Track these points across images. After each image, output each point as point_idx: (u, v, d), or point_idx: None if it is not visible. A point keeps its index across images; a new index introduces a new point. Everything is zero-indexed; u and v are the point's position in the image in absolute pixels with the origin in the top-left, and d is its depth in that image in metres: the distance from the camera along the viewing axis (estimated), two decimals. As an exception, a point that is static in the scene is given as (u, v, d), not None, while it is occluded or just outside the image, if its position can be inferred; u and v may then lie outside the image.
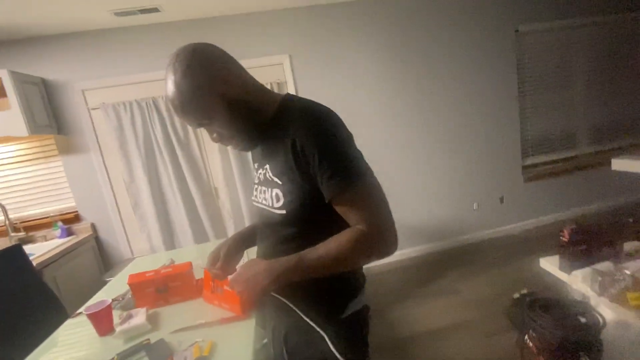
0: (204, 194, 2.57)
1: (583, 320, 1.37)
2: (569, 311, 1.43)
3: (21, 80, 2.11)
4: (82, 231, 2.52)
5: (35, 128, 2.14)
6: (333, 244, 0.67)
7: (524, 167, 3.23)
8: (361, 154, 0.68)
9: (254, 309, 1.15)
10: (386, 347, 1.89)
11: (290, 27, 2.58)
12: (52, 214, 2.46)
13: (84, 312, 1.17)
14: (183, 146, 2.49)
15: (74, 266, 2.26)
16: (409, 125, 2.84)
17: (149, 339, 1.05)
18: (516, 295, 1.71)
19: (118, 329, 1.13)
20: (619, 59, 3.25)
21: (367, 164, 0.69)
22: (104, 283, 2.26)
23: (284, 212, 0.70)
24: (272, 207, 0.72)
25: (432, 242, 3.10)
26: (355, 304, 0.78)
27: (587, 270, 1.50)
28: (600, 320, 1.33)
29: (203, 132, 2.58)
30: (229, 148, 2.46)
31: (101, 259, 2.59)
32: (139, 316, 1.19)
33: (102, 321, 1.17)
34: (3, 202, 2.27)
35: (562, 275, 1.63)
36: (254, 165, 0.87)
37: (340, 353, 0.73)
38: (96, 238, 2.57)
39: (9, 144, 2.37)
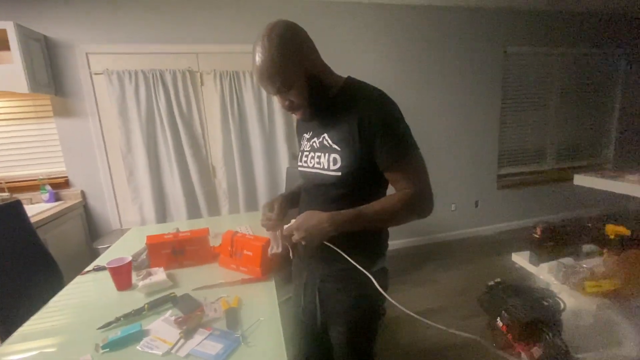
0: (201, 171, 2.60)
1: (546, 303, 1.60)
2: (535, 296, 1.65)
3: (25, 35, 2.03)
4: (70, 197, 2.46)
5: (35, 86, 2.07)
6: (387, 202, 0.81)
7: (499, 176, 3.55)
8: (410, 131, 0.82)
9: (273, 272, 1.25)
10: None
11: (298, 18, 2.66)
12: (40, 177, 2.38)
13: (106, 266, 1.21)
14: (185, 122, 2.51)
15: (61, 232, 2.21)
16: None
17: (174, 293, 1.12)
18: (490, 283, 1.93)
19: (140, 283, 1.18)
20: (586, 89, 3.67)
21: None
22: (94, 251, 2.25)
23: (339, 174, 0.81)
24: (328, 169, 0.83)
25: (413, 236, 3.33)
26: (382, 262, 0.92)
27: (553, 263, 1.74)
28: (562, 304, 1.56)
29: (206, 110, 2.60)
30: (232, 129, 2.53)
31: (88, 227, 2.54)
32: (159, 274, 1.25)
33: (123, 276, 1.22)
34: (-12, 160, 2.18)
35: (531, 268, 1.88)
36: (303, 136, 0.98)
37: (367, 300, 0.87)
38: (84, 206, 2.52)
39: (1, 99, 2.26)
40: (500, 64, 3.28)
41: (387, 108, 0.79)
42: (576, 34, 3.46)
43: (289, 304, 1.18)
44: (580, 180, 2.49)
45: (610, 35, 3.56)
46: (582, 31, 3.47)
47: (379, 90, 0.82)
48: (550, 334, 1.52)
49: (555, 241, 1.81)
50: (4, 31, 1.95)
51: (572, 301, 1.58)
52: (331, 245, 0.83)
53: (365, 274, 0.86)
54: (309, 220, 0.80)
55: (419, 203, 0.81)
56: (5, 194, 2.27)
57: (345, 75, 0.90)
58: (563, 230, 1.88)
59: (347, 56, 2.84)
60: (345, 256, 0.81)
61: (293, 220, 0.84)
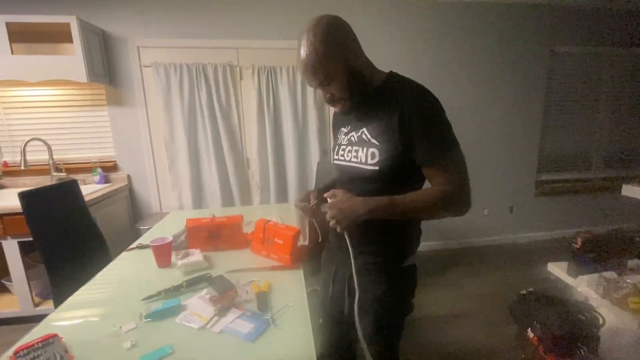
0: (236, 162, 2.70)
1: (583, 317, 1.52)
2: (571, 309, 1.57)
3: (86, 29, 2.22)
4: (118, 180, 2.66)
5: (92, 76, 2.26)
6: (422, 195, 0.81)
7: (537, 182, 3.36)
8: (452, 127, 0.81)
9: (301, 261, 1.29)
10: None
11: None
12: (92, 160, 2.59)
13: (149, 244, 1.31)
14: (224, 115, 2.62)
15: (108, 212, 2.40)
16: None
17: (210, 273, 1.19)
18: (523, 292, 1.85)
19: (179, 262, 1.27)
20: (638, 91, 3.36)
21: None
22: (137, 231, 2.42)
23: (377, 168, 0.83)
24: (366, 163, 0.85)
25: (441, 239, 3.26)
26: (412, 258, 0.93)
27: (593, 276, 1.65)
28: (600, 319, 1.47)
29: (244, 104, 2.70)
30: (267, 123, 2.61)
31: (132, 209, 2.74)
32: (196, 255, 1.34)
33: (164, 255, 1.31)
34: (49, 142, 2.40)
35: (568, 279, 1.78)
36: (341, 130, 0.99)
37: (395, 294, 0.88)
38: (130, 189, 2.71)
39: (61, 87, 2.49)
40: (545, 63, 3.10)
41: (428, 103, 0.79)
42: (630, 33, 3.18)
43: (314, 295, 1.22)
44: (629, 190, 2.31)
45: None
46: (635, 31, 3.18)
47: (421, 86, 0.81)
48: (585, 349, 1.44)
49: (597, 253, 1.70)
50: (67, 25, 2.14)
51: (612, 317, 1.49)
52: (347, 237, 0.85)
53: (394, 267, 0.87)
54: (343, 200, 0.82)
55: (454, 201, 0.80)
56: (63, 174, 2.49)
57: (387, 71, 0.90)
58: (607, 241, 1.76)
59: (387, 52, 2.82)
60: (352, 257, 0.84)
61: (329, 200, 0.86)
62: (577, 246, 1.71)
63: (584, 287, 1.66)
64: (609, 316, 1.48)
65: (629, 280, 1.55)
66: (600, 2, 2.97)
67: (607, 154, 3.47)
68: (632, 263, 1.80)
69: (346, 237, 0.85)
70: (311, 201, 0.96)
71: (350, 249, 0.86)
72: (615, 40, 3.19)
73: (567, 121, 3.33)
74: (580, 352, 1.48)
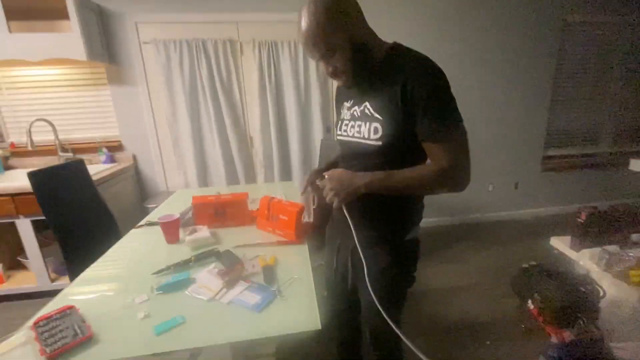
0: (240, 140, 2.70)
1: (584, 289, 1.55)
2: (572, 281, 1.60)
3: (82, 5, 2.16)
4: (124, 160, 2.68)
5: (92, 54, 2.22)
6: (418, 170, 0.81)
7: (544, 157, 3.32)
8: (455, 102, 0.79)
9: (306, 236, 1.32)
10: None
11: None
12: (97, 140, 2.60)
13: (158, 221, 1.34)
14: (226, 92, 2.58)
15: (116, 191, 2.43)
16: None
17: (217, 249, 1.22)
18: (525, 265, 1.89)
19: (187, 238, 1.30)
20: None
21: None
22: (144, 209, 2.46)
23: (380, 143, 0.82)
24: (369, 138, 0.84)
25: (446, 215, 3.28)
26: (415, 231, 0.94)
27: (595, 249, 1.66)
28: (601, 291, 1.50)
29: (245, 80, 2.66)
30: (270, 99, 2.57)
31: (139, 188, 2.77)
32: (203, 231, 1.37)
33: (172, 231, 1.34)
34: (54, 122, 2.41)
35: (571, 253, 1.80)
36: (343, 104, 0.98)
37: (397, 267, 0.91)
38: (136, 168, 2.74)
39: (63, 66, 2.46)
40: (557, 34, 2.97)
41: (433, 75, 0.76)
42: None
43: (319, 270, 1.25)
44: (638, 165, 2.28)
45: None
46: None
47: (426, 57, 0.79)
48: (585, 320, 1.48)
49: (601, 227, 1.71)
50: (63, 1, 2.08)
51: (613, 290, 1.52)
52: (345, 212, 0.86)
53: (397, 240, 0.89)
54: (342, 174, 0.83)
55: (451, 177, 0.80)
56: (70, 154, 2.52)
57: (391, 42, 0.87)
58: (611, 216, 1.76)
59: (390, 22, 2.72)
60: (353, 230, 0.86)
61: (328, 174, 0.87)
62: (581, 221, 1.71)
63: (586, 260, 1.68)
64: (610, 289, 1.51)
65: (631, 254, 1.56)
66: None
67: (616, 128, 3.39)
68: (635, 237, 1.81)
69: (344, 210, 0.86)
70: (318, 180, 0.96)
71: (350, 221, 0.87)
72: (631, 9, 3.02)
73: (577, 94, 3.23)
74: (580, 323, 1.52)
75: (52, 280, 2.22)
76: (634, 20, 3.07)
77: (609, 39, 3.11)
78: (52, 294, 1.01)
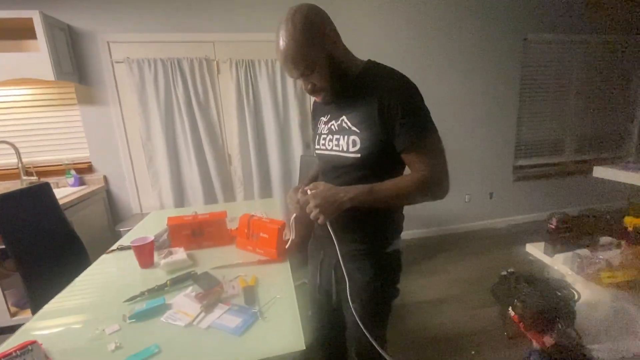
0: (217, 158, 2.66)
1: (560, 293, 1.60)
2: (549, 286, 1.65)
3: (50, 24, 2.10)
4: (94, 182, 2.56)
5: (60, 74, 2.15)
6: (400, 181, 0.83)
7: (515, 167, 3.48)
8: (429, 113, 0.82)
9: (288, 254, 1.29)
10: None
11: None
12: (65, 162, 2.48)
13: (130, 245, 1.27)
14: (202, 110, 2.56)
15: (85, 215, 2.31)
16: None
17: (195, 271, 1.17)
18: (503, 272, 1.93)
19: (162, 262, 1.24)
20: (608, 78, 3.53)
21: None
22: (116, 233, 2.35)
23: (358, 155, 0.83)
24: (347, 151, 0.85)
25: (424, 227, 3.33)
26: (396, 243, 0.94)
27: (568, 254, 1.72)
28: (576, 294, 1.55)
29: (222, 99, 2.65)
30: (248, 117, 2.57)
31: (110, 211, 2.65)
32: (179, 253, 1.31)
33: (146, 255, 1.28)
34: (17, 145, 2.28)
35: (546, 259, 1.86)
36: (320, 119, 0.99)
37: (381, 280, 0.90)
38: (107, 190, 2.62)
39: (28, 87, 2.36)
40: (519, 51, 3.19)
41: (407, 90, 0.80)
42: (600, 21, 3.31)
43: (302, 288, 1.22)
44: (601, 172, 2.42)
45: (636, 22, 3.40)
46: (606, 18, 3.31)
47: (400, 73, 0.82)
48: (563, 324, 1.52)
49: (571, 232, 1.78)
50: (30, 20, 2.02)
51: (587, 292, 1.57)
52: (329, 228, 0.85)
53: (379, 253, 0.88)
54: (325, 189, 0.83)
55: (433, 186, 0.82)
56: (34, 178, 2.38)
57: (365, 59, 0.90)
58: (580, 221, 1.85)
59: (363, 41, 2.81)
60: (336, 245, 0.85)
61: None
62: (553, 227, 1.78)
63: (560, 264, 1.74)
64: (584, 291, 1.56)
65: (601, 257, 1.63)
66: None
67: (578, 138, 3.62)
68: (603, 240, 1.89)
69: (329, 226, 0.86)
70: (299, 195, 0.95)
71: (333, 236, 0.86)
72: (585, 28, 3.30)
73: (541, 108, 3.44)
74: (559, 327, 1.56)
75: (12, 315, 2.04)
76: (586, 39, 3.34)
77: (566, 56, 3.36)
78: (13, 329, 0.92)
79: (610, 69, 3.50)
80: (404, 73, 0.83)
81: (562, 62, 3.36)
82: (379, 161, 0.83)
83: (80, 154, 2.55)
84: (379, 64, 0.88)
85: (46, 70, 2.07)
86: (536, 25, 3.17)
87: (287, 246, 1.19)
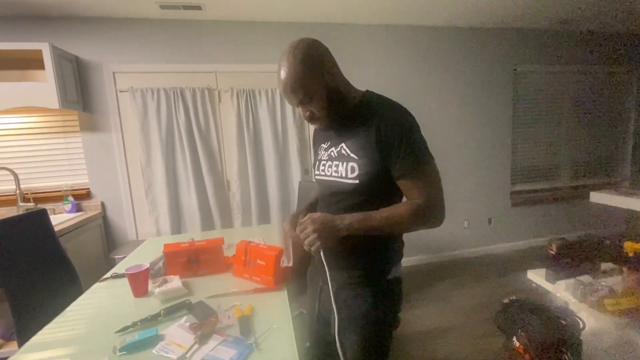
0: (216, 185, 2.67)
1: (565, 322, 1.55)
2: (553, 315, 1.60)
3: (59, 55, 2.19)
4: (91, 208, 2.55)
5: (65, 103, 2.20)
6: (396, 209, 0.83)
7: (512, 193, 3.50)
8: (426, 142, 0.85)
9: (286, 282, 1.26)
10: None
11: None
12: (63, 188, 2.49)
13: (125, 272, 1.25)
14: (203, 138, 2.60)
15: (80, 242, 2.28)
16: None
17: (190, 300, 1.14)
18: (505, 300, 1.88)
19: (157, 290, 1.21)
20: (599, 105, 3.64)
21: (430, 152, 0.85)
22: (111, 260, 2.31)
23: (356, 182, 0.84)
24: (346, 177, 0.86)
25: (424, 254, 3.29)
26: (396, 270, 0.93)
27: (570, 280, 1.70)
28: (581, 323, 1.51)
29: (223, 126, 2.70)
30: (247, 144, 2.61)
31: (106, 238, 2.62)
32: (175, 281, 1.29)
33: (140, 283, 1.25)
34: (17, 171, 2.30)
35: (548, 285, 1.83)
36: (320, 146, 1.01)
37: (382, 308, 0.88)
38: (103, 217, 2.61)
39: (32, 114, 2.41)
40: (510, 82, 3.31)
41: (404, 119, 0.82)
42: (586, 53, 3.47)
43: (300, 318, 1.19)
44: (597, 197, 2.44)
45: (622, 53, 3.56)
46: (593, 50, 3.48)
47: (397, 103, 0.86)
48: (570, 355, 1.46)
49: (572, 258, 1.77)
50: (39, 52, 2.10)
51: (591, 320, 1.53)
52: (322, 257, 0.85)
53: (379, 280, 0.87)
54: (322, 217, 0.83)
55: (428, 214, 0.83)
56: (31, 204, 2.37)
57: (364, 90, 0.94)
58: (580, 246, 1.83)
59: (360, 74, 2.92)
60: (327, 272, 0.85)
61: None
62: (553, 252, 1.77)
63: (562, 291, 1.70)
64: (589, 319, 1.52)
65: (603, 283, 1.60)
66: (557, 25, 3.23)
67: (573, 164, 3.67)
68: (605, 266, 1.87)
69: (322, 255, 0.85)
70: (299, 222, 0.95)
71: (325, 265, 0.86)
72: (573, 59, 3.45)
73: (534, 135, 3.52)
74: (565, 358, 1.50)
75: (-2, 348, 1.96)
76: (576, 69, 3.48)
77: (556, 86, 3.48)
78: (-3, 364, 0.88)
79: (599, 96, 3.62)
80: (401, 104, 0.86)
81: (552, 90, 3.48)
82: (376, 187, 0.85)
83: (79, 180, 2.56)
84: (377, 94, 0.91)
85: (52, 99, 2.13)
86: (525, 57, 3.32)
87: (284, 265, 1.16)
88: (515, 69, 3.31)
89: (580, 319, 1.55)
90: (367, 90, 0.93)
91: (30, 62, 2.23)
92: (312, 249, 0.82)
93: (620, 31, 3.49)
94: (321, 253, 0.85)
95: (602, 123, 3.67)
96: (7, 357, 0.90)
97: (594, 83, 3.58)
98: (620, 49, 3.55)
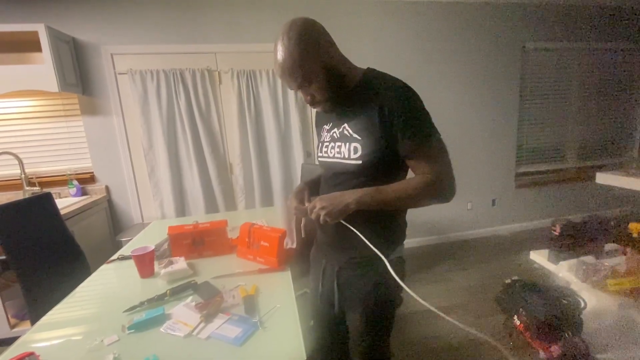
0: (219, 167, 2.66)
1: (566, 302, 1.57)
2: (554, 294, 1.62)
3: (55, 37, 2.14)
4: (96, 192, 2.57)
5: (64, 85, 2.17)
6: (405, 184, 0.83)
7: (517, 174, 3.46)
8: (430, 117, 0.82)
9: (289, 263, 1.28)
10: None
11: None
12: (67, 172, 2.50)
13: (131, 254, 1.27)
14: (204, 120, 2.58)
15: (87, 225, 2.31)
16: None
17: (195, 280, 1.16)
18: (507, 281, 1.90)
19: (162, 271, 1.24)
20: (609, 85, 3.54)
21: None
22: (117, 243, 2.34)
23: (360, 162, 0.83)
24: (349, 158, 0.85)
25: (428, 235, 3.31)
26: (399, 250, 0.94)
27: (572, 261, 1.70)
28: (582, 302, 1.53)
29: (224, 109, 2.67)
30: (249, 126, 2.59)
31: (112, 221, 2.65)
32: (180, 263, 1.31)
33: (146, 264, 1.27)
34: (20, 156, 2.30)
35: (550, 266, 1.84)
36: (323, 127, 1.00)
37: (384, 287, 0.89)
38: (109, 200, 2.63)
39: (32, 98, 2.39)
40: (518, 60, 3.21)
41: (407, 96, 0.80)
42: (598, 28, 3.34)
43: (304, 297, 1.20)
44: (603, 178, 2.41)
45: (635, 29, 3.43)
46: (604, 25, 3.35)
47: (399, 80, 0.83)
48: (570, 333, 1.49)
49: (575, 239, 1.77)
50: (35, 33, 2.06)
51: (593, 300, 1.54)
52: (346, 224, 0.85)
53: (381, 257, 0.88)
54: (332, 193, 0.83)
55: (439, 188, 0.82)
56: (36, 188, 2.39)
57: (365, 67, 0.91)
58: (583, 227, 1.83)
59: (364, 51, 2.85)
60: (360, 235, 0.84)
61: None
62: (556, 233, 1.77)
63: (564, 272, 1.71)
64: (591, 299, 1.54)
65: (606, 264, 1.61)
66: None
67: (579, 145, 3.61)
68: (608, 247, 1.87)
69: (344, 223, 0.85)
70: (305, 200, 0.94)
71: (355, 230, 0.85)
72: (582, 36, 3.33)
73: (541, 114, 3.44)
74: (565, 336, 1.53)
75: (12, 327, 2.03)
76: (587, 46, 3.36)
77: (564, 63, 3.37)
78: (12, 341, 0.91)
79: (609, 75, 3.51)
80: (405, 81, 0.83)
81: (561, 69, 3.38)
82: (379, 168, 0.84)
83: (83, 164, 2.56)
84: (379, 71, 0.88)
85: (50, 82, 2.10)
86: (534, 33, 3.20)
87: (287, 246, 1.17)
88: (523, 46, 3.20)
89: (581, 298, 1.57)
90: (368, 68, 0.90)
91: (26, 45, 2.18)
92: (328, 221, 0.82)
93: (635, 6, 3.35)
94: (342, 222, 0.85)
95: (611, 103, 3.57)
96: (20, 336, 0.92)
97: (604, 61, 3.46)
98: (633, 26, 3.41)
